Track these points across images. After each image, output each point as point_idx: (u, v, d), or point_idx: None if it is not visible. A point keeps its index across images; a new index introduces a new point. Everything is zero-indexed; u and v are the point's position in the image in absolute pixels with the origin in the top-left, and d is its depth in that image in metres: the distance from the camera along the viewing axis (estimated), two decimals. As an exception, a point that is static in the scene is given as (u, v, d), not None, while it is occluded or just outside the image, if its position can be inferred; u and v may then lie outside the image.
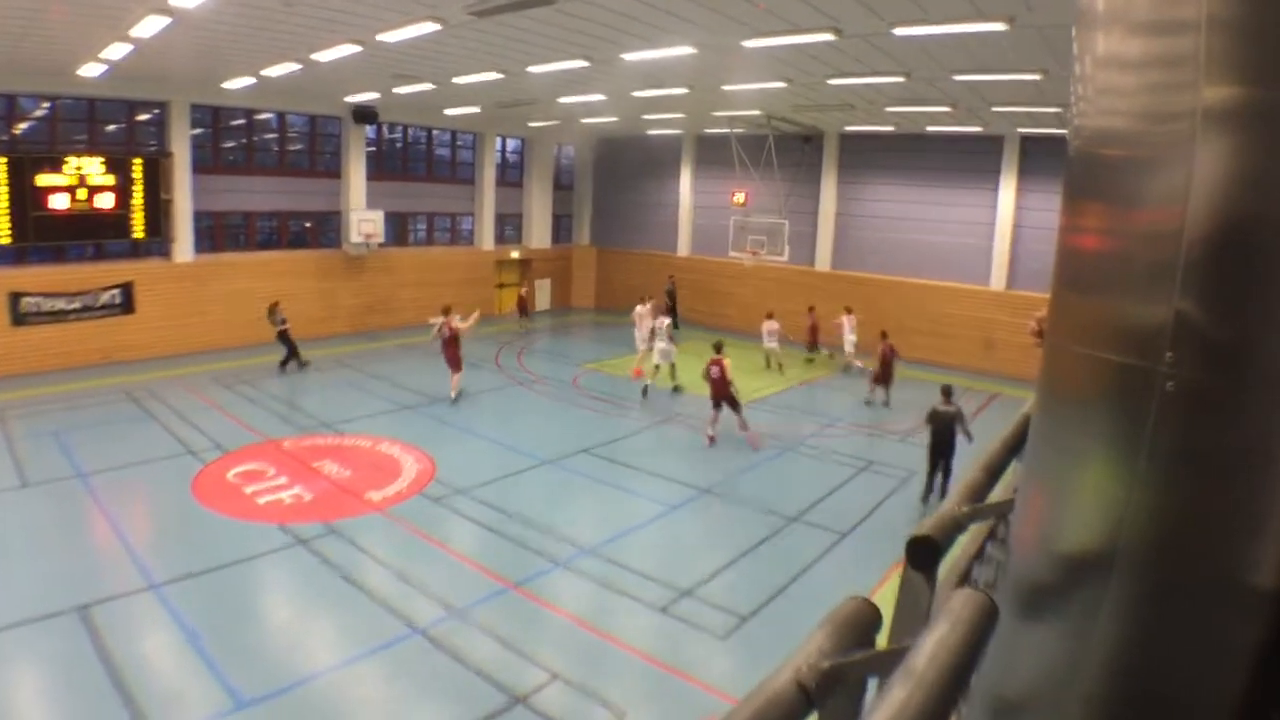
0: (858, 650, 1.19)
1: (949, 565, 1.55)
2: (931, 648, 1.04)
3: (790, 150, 24.20)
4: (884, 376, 17.52)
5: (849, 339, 20.85)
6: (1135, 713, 1.02)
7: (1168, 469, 0.94)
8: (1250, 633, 0.96)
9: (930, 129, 21.63)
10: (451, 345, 16.32)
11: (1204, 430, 0.92)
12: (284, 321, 18.31)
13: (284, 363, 18.48)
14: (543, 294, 30.25)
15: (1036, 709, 1.14)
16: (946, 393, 12.11)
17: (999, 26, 9.89)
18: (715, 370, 14.13)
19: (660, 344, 18.18)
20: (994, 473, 2.24)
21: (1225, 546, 0.96)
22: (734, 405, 14.28)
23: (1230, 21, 0.85)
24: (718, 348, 14.54)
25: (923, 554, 1.66)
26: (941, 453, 11.82)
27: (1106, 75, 1.03)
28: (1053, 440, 1.13)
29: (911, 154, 23.23)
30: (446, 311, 16.59)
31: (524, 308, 25.91)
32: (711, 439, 14.33)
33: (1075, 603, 1.05)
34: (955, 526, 1.77)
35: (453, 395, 16.55)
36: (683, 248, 29.28)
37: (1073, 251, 1.10)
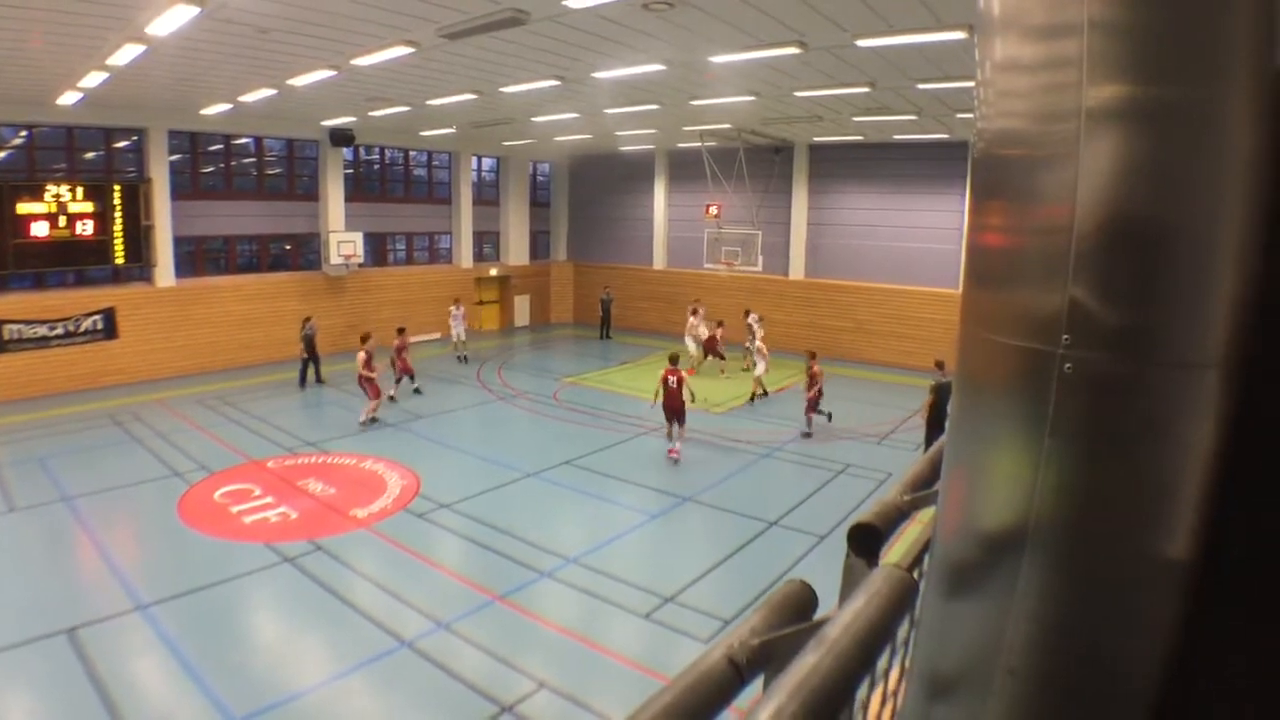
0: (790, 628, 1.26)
1: (902, 550, 1.67)
2: (847, 618, 1.10)
3: (761, 162, 24.53)
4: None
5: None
6: (1056, 684, 1.07)
7: (1070, 446, 0.99)
8: (1163, 603, 1.02)
9: (897, 137, 21.97)
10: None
11: (1102, 408, 0.98)
12: (308, 335, 19.27)
13: (303, 379, 19.50)
14: (521, 310, 30.40)
15: (968, 685, 1.17)
16: (940, 365, 14.05)
17: (958, 35, 10.11)
18: (673, 380, 14.01)
19: None
20: (938, 463, 2.26)
21: (1132, 520, 1.00)
22: (680, 418, 14.19)
23: (1109, 23, 0.92)
24: (673, 359, 14.50)
25: (864, 540, 1.71)
26: (938, 420, 13.48)
27: (1004, 79, 1.08)
28: (968, 423, 1.17)
29: (879, 162, 23.64)
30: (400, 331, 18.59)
31: (714, 346, 21.82)
32: (673, 453, 14.27)
33: (994, 580, 1.08)
34: (896, 513, 1.80)
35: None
36: (658, 261, 29.52)
37: (979, 248, 1.15)
